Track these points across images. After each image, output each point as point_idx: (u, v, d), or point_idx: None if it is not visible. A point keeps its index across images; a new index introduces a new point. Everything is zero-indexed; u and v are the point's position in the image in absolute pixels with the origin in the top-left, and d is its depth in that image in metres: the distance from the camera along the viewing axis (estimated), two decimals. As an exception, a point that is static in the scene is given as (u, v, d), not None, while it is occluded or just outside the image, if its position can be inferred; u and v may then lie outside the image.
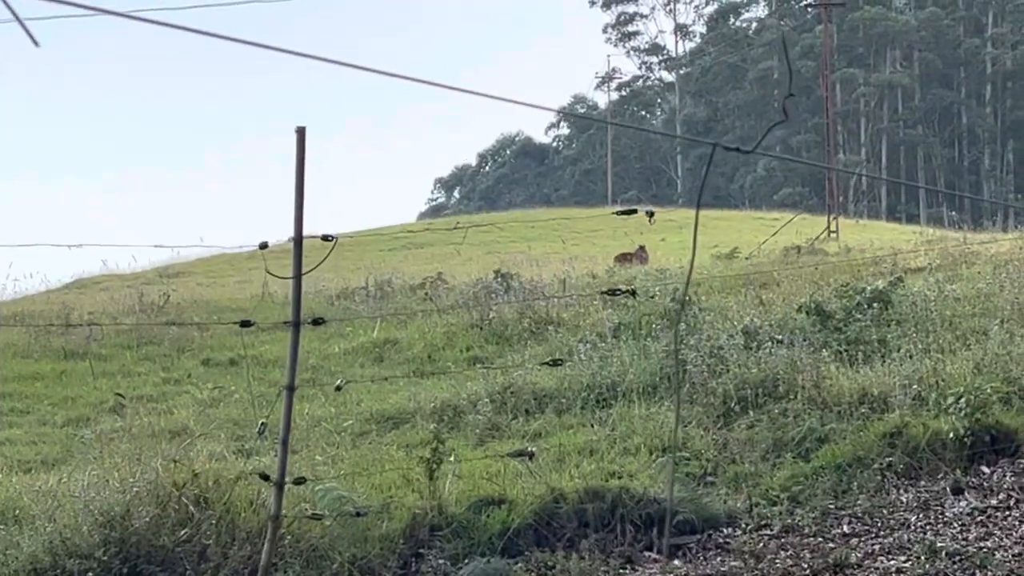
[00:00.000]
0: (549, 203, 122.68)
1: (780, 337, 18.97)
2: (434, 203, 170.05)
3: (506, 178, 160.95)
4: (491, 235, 56.09)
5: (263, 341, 24.86)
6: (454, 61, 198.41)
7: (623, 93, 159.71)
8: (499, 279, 29.94)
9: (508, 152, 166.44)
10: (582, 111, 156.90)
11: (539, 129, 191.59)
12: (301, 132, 9.92)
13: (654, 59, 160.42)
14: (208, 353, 25.14)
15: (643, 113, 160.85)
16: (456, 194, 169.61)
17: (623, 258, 41.39)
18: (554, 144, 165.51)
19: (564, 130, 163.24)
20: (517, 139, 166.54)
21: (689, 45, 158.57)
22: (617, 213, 11.45)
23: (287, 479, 9.99)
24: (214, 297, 36.31)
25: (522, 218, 69.15)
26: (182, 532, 11.59)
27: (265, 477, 10.45)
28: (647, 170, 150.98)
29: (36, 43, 4.87)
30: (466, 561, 11.98)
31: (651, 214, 11.30)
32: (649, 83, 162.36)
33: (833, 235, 54.46)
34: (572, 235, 56.95)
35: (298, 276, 10.09)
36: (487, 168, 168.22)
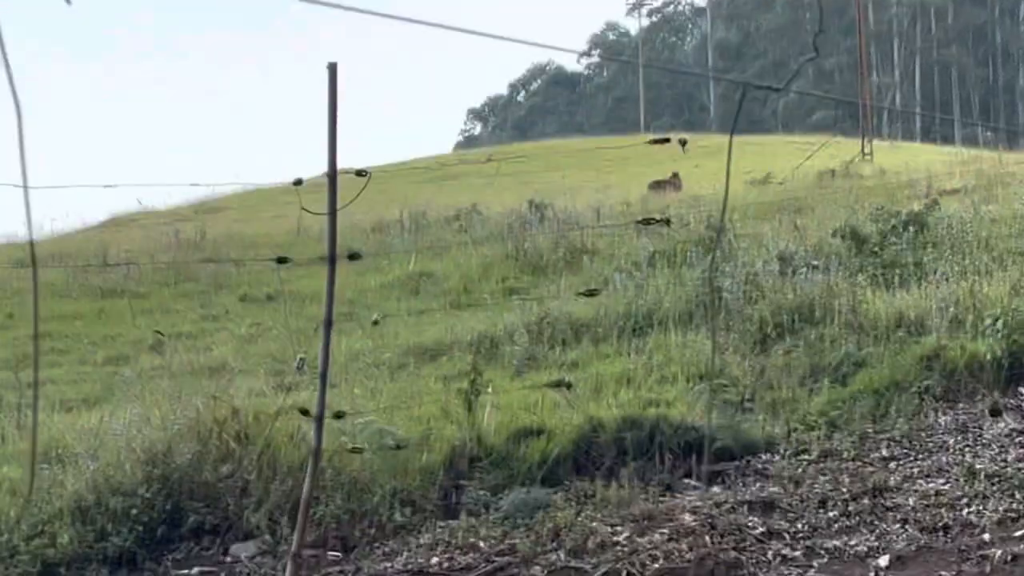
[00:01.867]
0: (582, 132, 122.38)
1: (816, 262, 18.95)
2: (467, 134, 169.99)
3: (538, 107, 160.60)
4: (524, 165, 55.97)
5: (300, 276, 24.90)
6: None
7: (654, 19, 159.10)
8: (533, 209, 29.93)
9: (540, 81, 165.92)
10: (613, 38, 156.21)
11: (570, 58, 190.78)
12: (333, 68, 9.90)
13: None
14: (245, 289, 25.23)
15: (674, 39, 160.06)
16: (489, 125, 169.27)
17: (657, 186, 41.29)
18: (586, 72, 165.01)
19: (596, 58, 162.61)
20: (548, 68, 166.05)
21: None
22: (650, 142, 11.41)
23: (326, 413, 10.04)
24: (250, 233, 36.38)
25: (555, 148, 68.90)
26: (223, 468, 11.65)
27: (305, 412, 10.49)
28: (679, 96, 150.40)
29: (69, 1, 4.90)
30: (506, 491, 12.00)
31: (684, 142, 11.30)
32: (680, 8, 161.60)
33: (867, 158, 54.10)
34: (605, 163, 56.73)
35: (333, 212, 10.10)
36: (519, 98, 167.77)
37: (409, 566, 10.52)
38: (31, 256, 5.60)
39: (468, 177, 56.18)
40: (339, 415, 10.64)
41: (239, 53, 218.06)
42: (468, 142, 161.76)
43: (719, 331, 16.60)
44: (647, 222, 12.07)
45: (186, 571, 10.86)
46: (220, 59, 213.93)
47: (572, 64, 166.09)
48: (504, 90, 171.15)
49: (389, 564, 10.61)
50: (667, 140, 11.37)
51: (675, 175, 42.48)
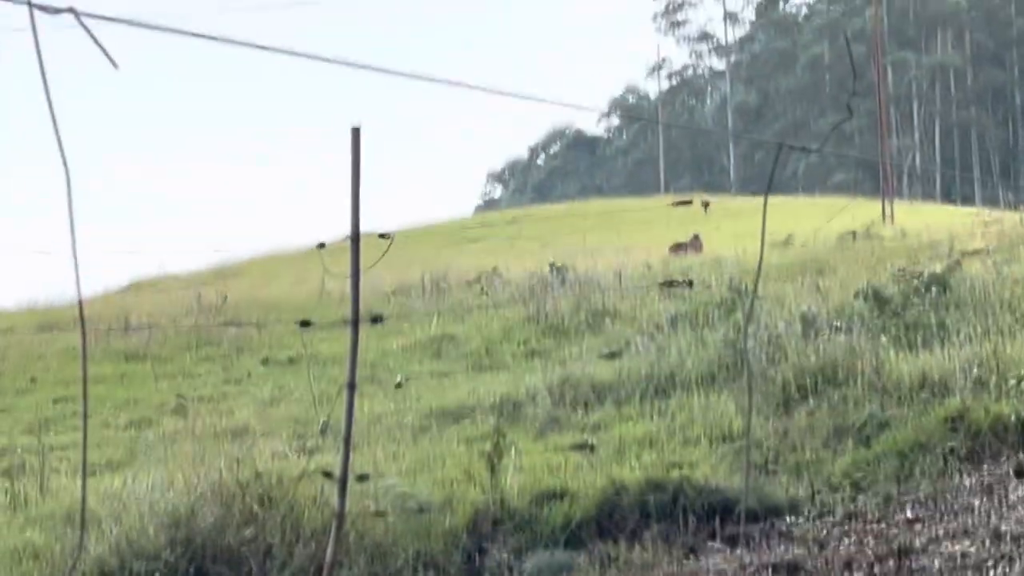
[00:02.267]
0: (601, 193, 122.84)
1: (838, 323, 18.93)
2: (488, 197, 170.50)
3: (558, 170, 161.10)
4: (545, 227, 56.15)
5: (322, 339, 24.93)
6: (504, 58, 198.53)
7: (673, 82, 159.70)
8: (554, 271, 29.97)
9: (559, 144, 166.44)
10: (633, 101, 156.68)
11: (590, 120, 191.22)
12: (356, 132, 9.97)
13: (704, 47, 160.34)
14: (267, 352, 25.29)
15: (693, 101, 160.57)
16: (509, 188, 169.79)
17: (678, 248, 41.34)
18: (605, 135, 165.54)
19: (615, 120, 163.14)
20: (567, 131, 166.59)
21: (739, 32, 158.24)
22: (673, 204, 11.50)
23: (350, 476, 10.04)
24: (271, 296, 36.52)
25: (575, 210, 69.12)
26: (247, 531, 11.66)
27: (328, 475, 10.51)
28: (699, 158, 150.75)
29: (116, 66, 4.99)
30: (529, 554, 11.99)
31: (706, 204, 11.36)
32: (699, 71, 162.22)
33: (888, 219, 54.15)
34: (625, 226, 56.87)
35: (356, 274, 10.14)
36: (539, 161, 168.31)
37: (434, 629, 10.50)
38: (80, 315, 5.69)
39: (489, 240, 56.41)
40: (362, 478, 10.65)
41: (261, 117, 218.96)
42: (488, 205, 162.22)
43: (742, 392, 16.56)
44: (670, 284, 12.14)
45: (210, 635, 10.85)
46: (242, 122, 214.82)
47: (592, 127, 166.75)
48: (524, 153, 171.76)
49: (414, 627, 10.60)
50: (689, 202, 11.48)
51: (696, 237, 42.57)
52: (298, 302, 32.60)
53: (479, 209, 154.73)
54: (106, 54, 4.99)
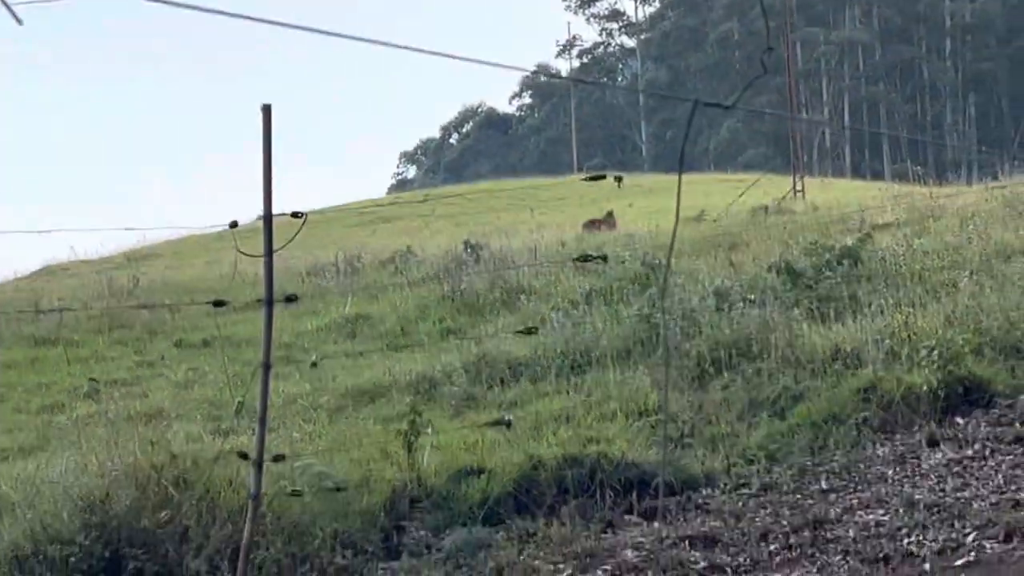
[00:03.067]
0: (515, 173, 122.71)
1: (752, 297, 19.03)
2: (400, 177, 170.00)
3: (471, 149, 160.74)
4: (458, 207, 56.04)
5: (235, 321, 24.81)
6: (414, 35, 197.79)
7: (584, 60, 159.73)
8: (469, 250, 29.95)
9: (471, 124, 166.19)
10: (544, 79, 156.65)
11: (502, 100, 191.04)
12: (267, 109, 9.89)
13: (614, 25, 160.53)
14: (180, 335, 25.11)
15: (605, 79, 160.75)
16: (422, 168, 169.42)
17: (592, 225, 41.36)
18: (517, 114, 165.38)
19: (527, 99, 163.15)
20: (480, 110, 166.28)
21: (649, 10, 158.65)
22: (587, 178, 11.45)
23: (266, 457, 9.99)
24: (184, 279, 36.27)
25: (489, 189, 69.09)
26: (163, 514, 11.54)
27: (244, 456, 10.44)
28: (611, 137, 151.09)
29: (20, 22, 4.89)
30: (447, 531, 11.98)
31: (619, 179, 11.33)
32: (610, 49, 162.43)
33: (799, 194, 54.51)
34: (539, 204, 56.88)
35: (269, 254, 10.07)
36: (452, 140, 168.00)
37: (352, 609, 10.47)
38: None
39: (402, 220, 56.23)
40: (279, 458, 10.59)
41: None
42: (401, 185, 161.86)
43: (656, 367, 16.62)
44: (585, 259, 12.12)
45: (126, 618, 10.76)
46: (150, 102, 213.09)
47: (503, 106, 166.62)
48: (436, 133, 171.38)
49: (332, 607, 10.56)
50: (603, 177, 11.42)
51: (609, 214, 42.60)
52: (210, 284, 32.37)
53: (392, 189, 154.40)
54: (9, 10, 4.88)
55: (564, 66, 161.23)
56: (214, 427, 15.76)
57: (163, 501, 11.69)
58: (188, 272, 40.01)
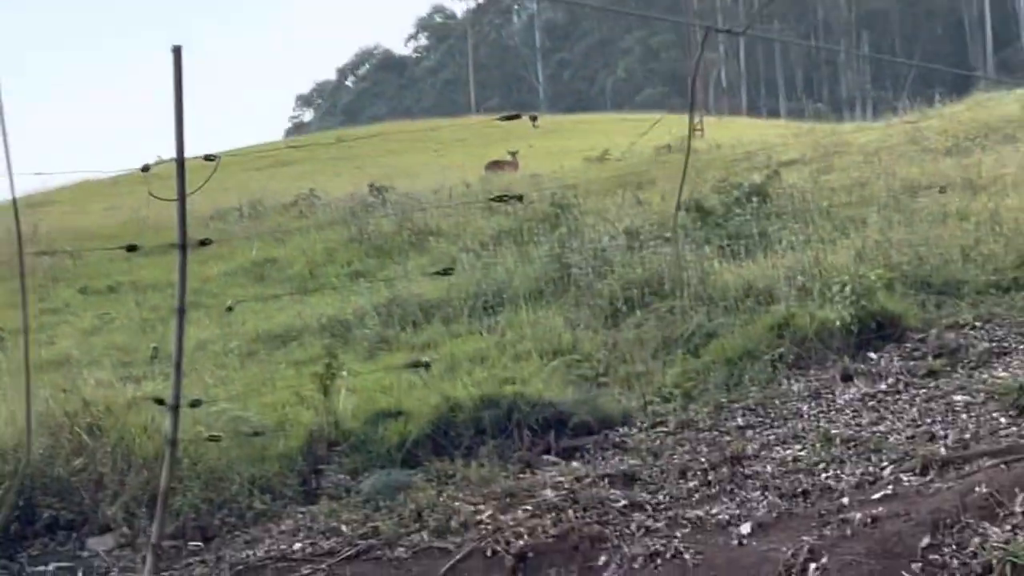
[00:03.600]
0: (412, 115, 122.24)
1: (663, 235, 19.04)
2: (296, 120, 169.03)
3: (368, 92, 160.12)
4: (358, 149, 55.70)
5: (141, 267, 24.50)
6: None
7: (481, 1, 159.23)
8: (374, 192, 29.77)
9: (368, 66, 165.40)
10: (440, 21, 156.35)
11: (398, 42, 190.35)
12: (177, 51, 9.74)
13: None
14: (85, 281, 24.78)
15: (499, 21, 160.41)
16: (319, 110, 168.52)
17: (495, 166, 41.26)
18: (414, 56, 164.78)
19: (423, 41, 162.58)
20: (376, 52, 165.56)
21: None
22: (501, 118, 11.37)
23: (182, 403, 9.88)
24: (84, 225, 35.74)
25: (388, 131, 68.70)
26: (76, 462, 11.44)
27: (160, 401, 10.32)
28: (508, 77, 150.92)
29: None
30: (366, 474, 11.93)
31: (534, 118, 11.27)
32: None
33: (699, 133, 54.52)
34: (439, 146, 56.67)
35: (182, 198, 9.93)
36: (348, 82, 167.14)
37: (271, 553, 10.40)
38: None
39: (301, 164, 55.77)
40: (195, 404, 10.48)
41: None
42: (297, 129, 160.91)
43: (570, 307, 16.63)
44: (500, 200, 12.06)
45: (42, 567, 10.65)
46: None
47: (400, 48, 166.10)
48: (332, 75, 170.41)
49: (251, 552, 10.49)
50: (518, 116, 11.35)
51: (513, 154, 42.52)
52: (112, 230, 31.87)
53: (288, 133, 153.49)
54: None
55: (459, 7, 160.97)
56: (124, 373, 15.56)
57: (77, 449, 11.59)
58: (88, 219, 39.44)
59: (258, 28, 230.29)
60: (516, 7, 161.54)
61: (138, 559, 10.44)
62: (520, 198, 12.63)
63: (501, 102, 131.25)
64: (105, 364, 16.19)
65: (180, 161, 9.83)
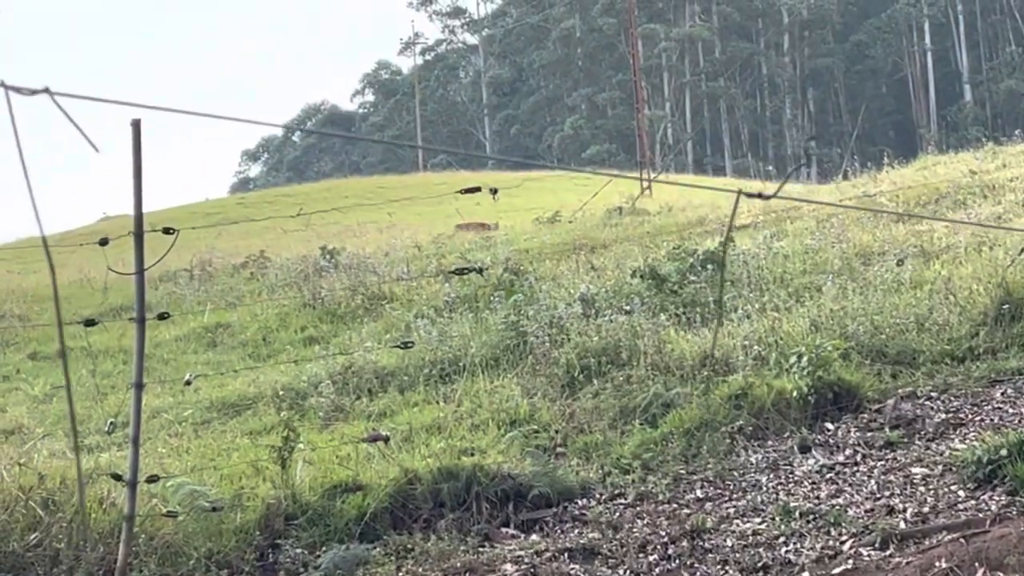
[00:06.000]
0: (359, 171, 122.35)
1: (618, 303, 19.05)
2: (242, 175, 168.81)
3: (314, 147, 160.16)
4: (305, 207, 55.55)
5: (92, 332, 24.28)
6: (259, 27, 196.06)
7: (427, 57, 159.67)
8: (326, 255, 29.65)
9: (314, 121, 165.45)
10: (387, 76, 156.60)
11: (344, 97, 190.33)
12: (136, 124, 9.70)
13: (456, 22, 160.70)
14: (35, 346, 24.53)
15: (446, 77, 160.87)
16: (265, 166, 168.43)
17: (469, 227, 41.13)
18: (360, 111, 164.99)
19: (369, 96, 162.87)
20: (322, 108, 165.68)
21: (491, 7, 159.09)
22: (462, 191, 11.39)
23: (140, 478, 9.80)
24: (29, 285, 35.37)
25: (334, 188, 68.65)
26: (31, 536, 11.31)
27: (117, 477, 10.23)
28: (455, 134, 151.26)
29: (96, 148, 4.81)
30: (324, 549, 11.85)
31: (495, 191, 11.28)
32: (453, 46, 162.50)
33: (647, 193, 54.62)
34: (387, 204, 56.56)
35: (140, 272, 9.88)
36: (294, 137, 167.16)
37: (229, 629, 10.32)
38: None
39: (248, 222, 55.55)
40: (152, 479, 10.41)
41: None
42: (243, 184, 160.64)
43: (526, 375, 16.59)
44: (461, 272, 12.04)
45: (-2, 646, 10.53)
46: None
47: (346, 103, 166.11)
48: (278, 131, 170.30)
49: (209, 628, 10.40)
50: (478, 189, 11.36)
51: (484, 224, 42.36)
52: (60, 292, 31.56)
53: (234, 188, 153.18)
54: (84, 135, 4.78)
55: (407, 63, 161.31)
56: (79, 444, 15.41)
57: (32, 523, 11.45)
58: (33, 278, 39.04)
59: (200, 78, 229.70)
60: (464, 63, 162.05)
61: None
62: (481, 271, 12.63)
63: (448, 159, 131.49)
64: (59, 435, 16.05)
65: (139, 234, 9.79)
